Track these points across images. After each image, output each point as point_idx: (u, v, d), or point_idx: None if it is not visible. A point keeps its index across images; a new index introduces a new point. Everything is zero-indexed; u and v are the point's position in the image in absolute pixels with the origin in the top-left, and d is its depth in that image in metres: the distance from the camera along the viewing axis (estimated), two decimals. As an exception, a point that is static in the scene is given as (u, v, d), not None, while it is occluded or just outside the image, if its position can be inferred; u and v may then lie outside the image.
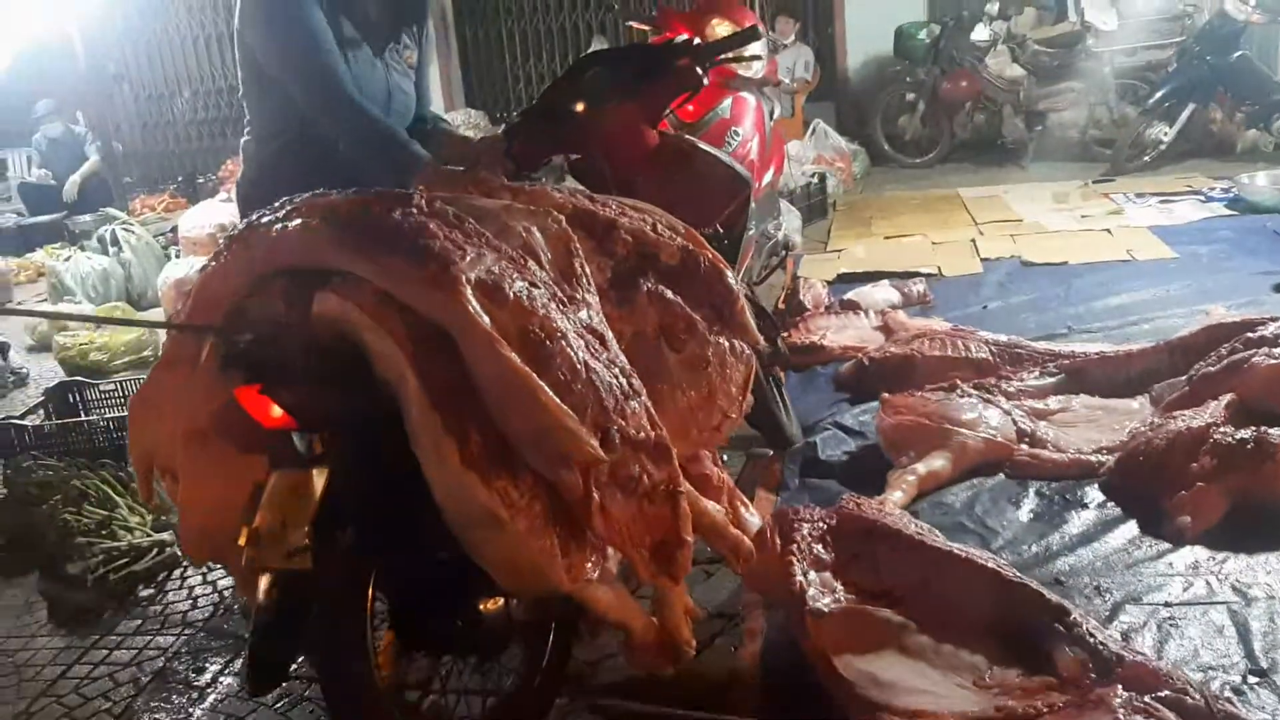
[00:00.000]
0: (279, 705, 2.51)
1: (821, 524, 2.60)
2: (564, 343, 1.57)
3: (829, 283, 5.43)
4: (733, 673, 2.43)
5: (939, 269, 5.62)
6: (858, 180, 8.52)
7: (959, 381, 3.52)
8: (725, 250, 2.46)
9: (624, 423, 1.60)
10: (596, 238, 1.87)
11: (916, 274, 5.42)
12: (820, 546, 2.54)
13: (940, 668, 2.26)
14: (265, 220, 1.74)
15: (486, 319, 1.56)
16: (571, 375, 1.55)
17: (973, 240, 6.20)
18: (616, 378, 1.62)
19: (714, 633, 2.56)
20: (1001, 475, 3.20)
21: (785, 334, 4.52)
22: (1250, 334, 3.40)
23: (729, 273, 2.01)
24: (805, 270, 5.78)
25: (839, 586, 2.46)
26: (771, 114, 4.43)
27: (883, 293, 5.01)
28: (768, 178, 4.09)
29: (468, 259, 1.62)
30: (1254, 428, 2.92)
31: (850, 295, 4.98)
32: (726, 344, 1.97)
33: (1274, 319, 3.50)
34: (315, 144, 2.49)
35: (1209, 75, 7.89)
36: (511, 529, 1.51)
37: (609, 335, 1.70)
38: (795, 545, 2.51)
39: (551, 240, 1.75)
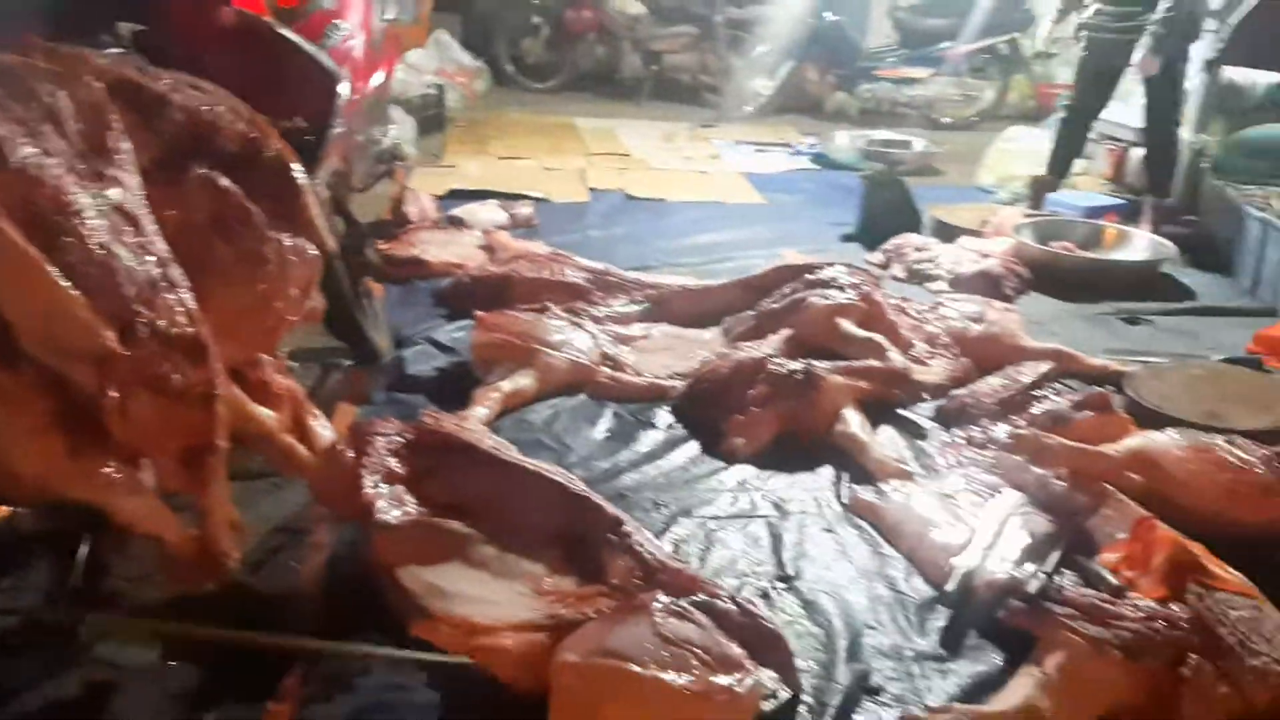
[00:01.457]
0: None
1: (399, 438, 2.55)
2: (78, 220, 1.38)
3: (439, 197, 5.34)
4: (291, 589, 2.34)
5: (548, 194, 5.70)
6: (479, 98, 8.43)
7: (550, 304, 3.58)
8: (306, 146, 2.31)
9: (153, 315, 1.45)
10: (142, 112, 1.67)
11: (525, 196, 5.47)
12: (395, 460, 2.48)
13: (503, 577, 2.29)
14: None
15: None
16: (85, 258, 1.37)
17: (583, 169, 6.34)
18: (147, 266, 1.46)
19: (273, 547, 2.45)
20: (583, 396, 3.30)
21: (387, 245, 4.41)
22: (810, 275, 3.73)
23: (295, 166, 1.88)
24: (416, 183, 5.64)
25: (411, 500, 2.43)
26: (384, 15, 4.24)
27: (489, 212, 5.01)
28: (377, 80, 3.92)
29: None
30: (805, 361, 3.21)
31: (457, 211, 4.94)
32: (289, 241, 1.84)
33: (831, 264, 3.86)
34: None
35: (807, 37, 8.54)
36: (7, 426, 1.32)
37: (145, 218, 1.53)
38: (369, 458, 2.45)
39: (83, 108, 1.54)
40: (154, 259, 1.49)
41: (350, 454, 2.45)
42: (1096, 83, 5.55)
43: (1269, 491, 2.55)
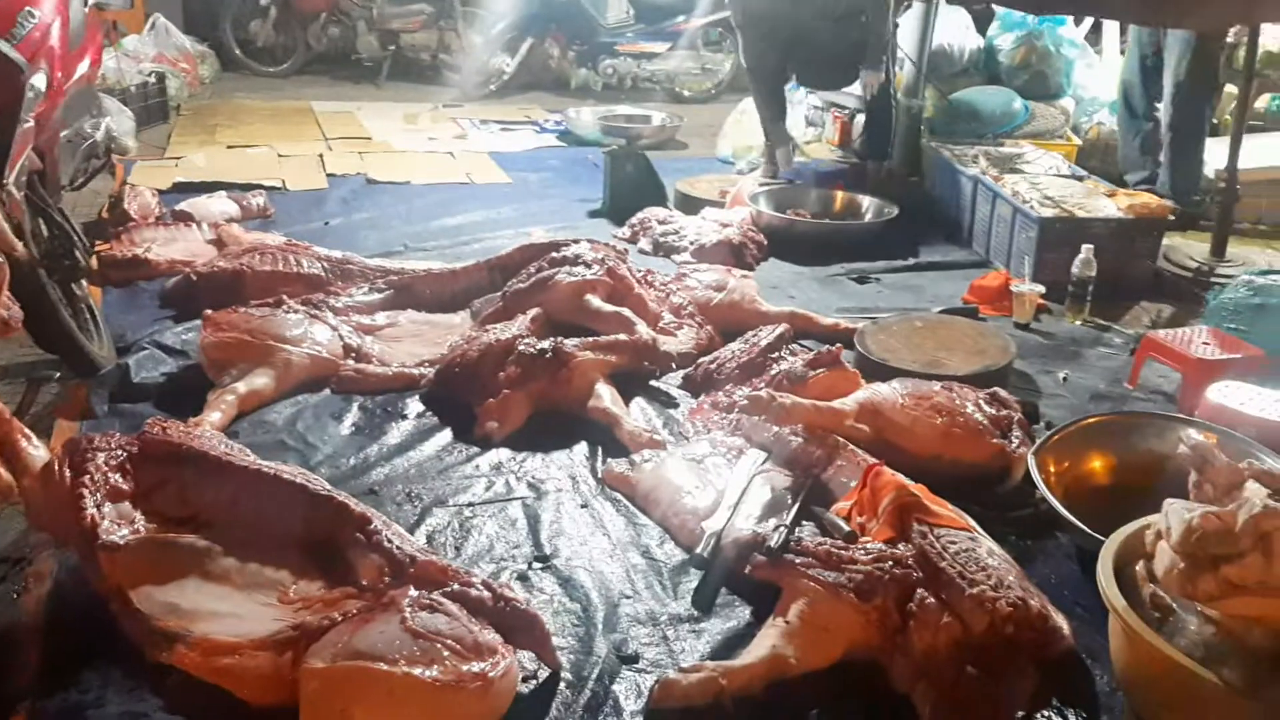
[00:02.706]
0: None
1: (121, 451, 2.39)
2: None
3: (162, 191, 5.01)
4: (13, 623, 2.15)
5: (284, 182, 5.46)
6: (205, 84, 7.98)
7: (286, 297, 3.43)
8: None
9: None
10: None
11: (259, 186, 5.21)
12: (119, 475, 2.34)
13: (245, 589, 2.20)
14: None
15: None
16: None
17: (321, 155, 6.11)
18: None
19: (-13, 581, 2.25)
20: (327, 391, 3.19)
21: (105, 245, 4.11)
22: (555, 253, 3.74)
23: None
24: (137, 177, 5.29)
25: (139, 516, 2.29)
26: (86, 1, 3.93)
27: (219, 204, 4.75)
28: (81, 70, 3.63)
29: None
30: (554, 339, 3.21)
31: (183, 206, 4.66)
32: (-39, 250, 1.68)
33: (576, 241, 3.88)
34: None
35: (543, 12, 8.53)
36: None
37: None
38: (88, 476, 2.28)
39: None
40: None
41: (67, 473, 2.29)
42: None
43: (981, 431, 2.76)
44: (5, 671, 2.01)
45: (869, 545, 2.21)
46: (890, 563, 2.12)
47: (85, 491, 2.24)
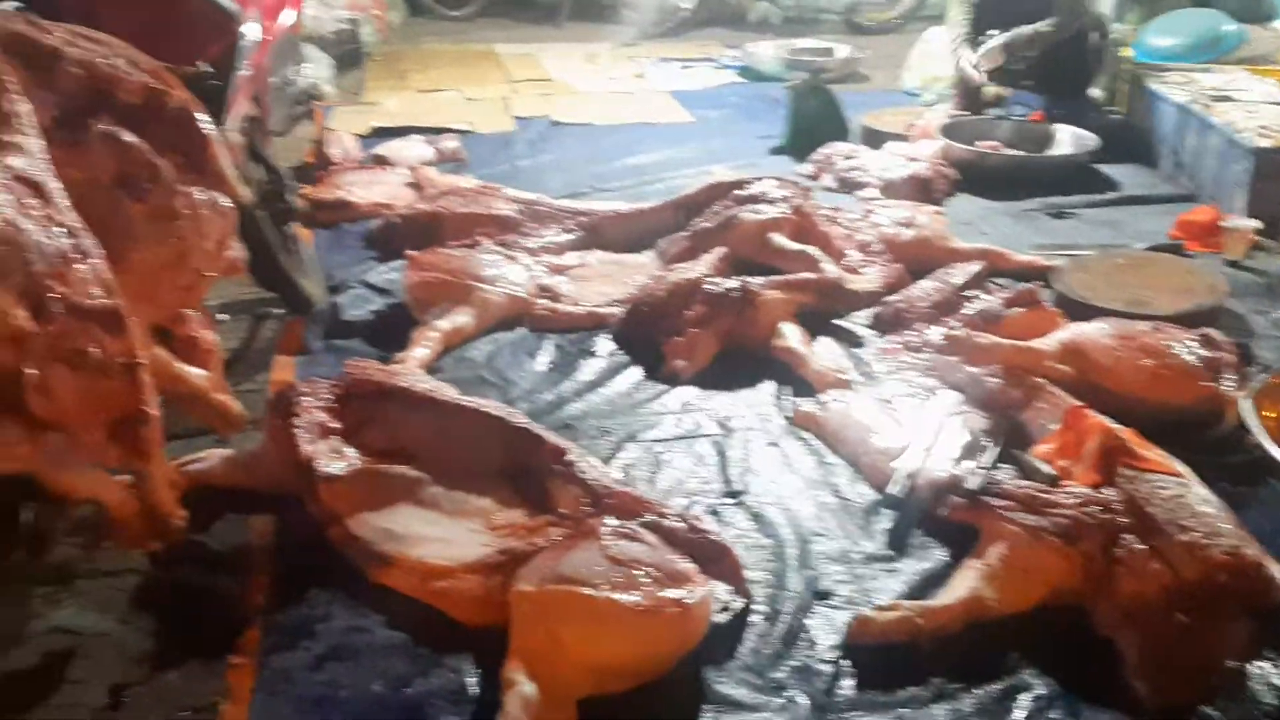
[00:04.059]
0: None
1: (327, 393, 2.52)
2: (-20, 197, 1.33)
3: (361, 136, 5.22)
4: (245, 546, 2.33)
5: (472, 125, 5.60)
6: (395, 30, 8.21)
7: (483, 238, 3.55)
8: (211, 93, 2.24)
9: (67, 289, 1.41)
10: (36, 69, 1.60)
11: (450, 130, 5.37)
12: (327, 415, 2.46)
13: (453, 515, 2.31)
14: None
15: None
16: (-14, 236, 1.33)
17: (506, 98, 6.23)
18: (56, 237, 1.42)
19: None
20: (522, 329, 3.29)
21: (311, 189, 4.32)
22: (740, 192, 3.73)
23: (201, 115, 1.83)
24: (336, 122, 5.51)
25: (350, 451, 2.42)
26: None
27: (414, 148, 4.91)
28: (287, 19, 3.80)
29: None
30: (739, 278, 3.22)
31: (381, 150, 4.83)
32: (200, 194, 1.80)
33: (760, 179, 3.86)
34: None
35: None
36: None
37: (51, 185, 1.48)
38: (299, 417, 2.41)
39: (-26, 71, 1.48)
40: (63, 229, 1.44)
41: (280, 418, 2.40)
42: None
43: (1192, 373, 2.63)
44: (242, 589, 2.18)
45: (1073, 489, 2.15)
46: (1096, 507, 2.07)
47: (299, 431, 2.38)
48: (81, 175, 1.60)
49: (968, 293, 3.21)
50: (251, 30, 2.98)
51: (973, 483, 2.23)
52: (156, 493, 1.76)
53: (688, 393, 2.97)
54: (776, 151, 5.24)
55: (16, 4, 1.91)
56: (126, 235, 1.67)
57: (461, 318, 3.21)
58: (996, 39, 5.17)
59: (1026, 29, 5.12)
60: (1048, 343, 2.77)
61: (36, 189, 1.45)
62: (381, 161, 4.68)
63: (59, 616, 2.08)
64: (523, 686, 1.76)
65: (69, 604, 2.12)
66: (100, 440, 1.51)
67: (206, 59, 2.41)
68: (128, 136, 1.70)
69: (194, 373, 1.91)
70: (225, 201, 1.89)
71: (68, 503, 1.83)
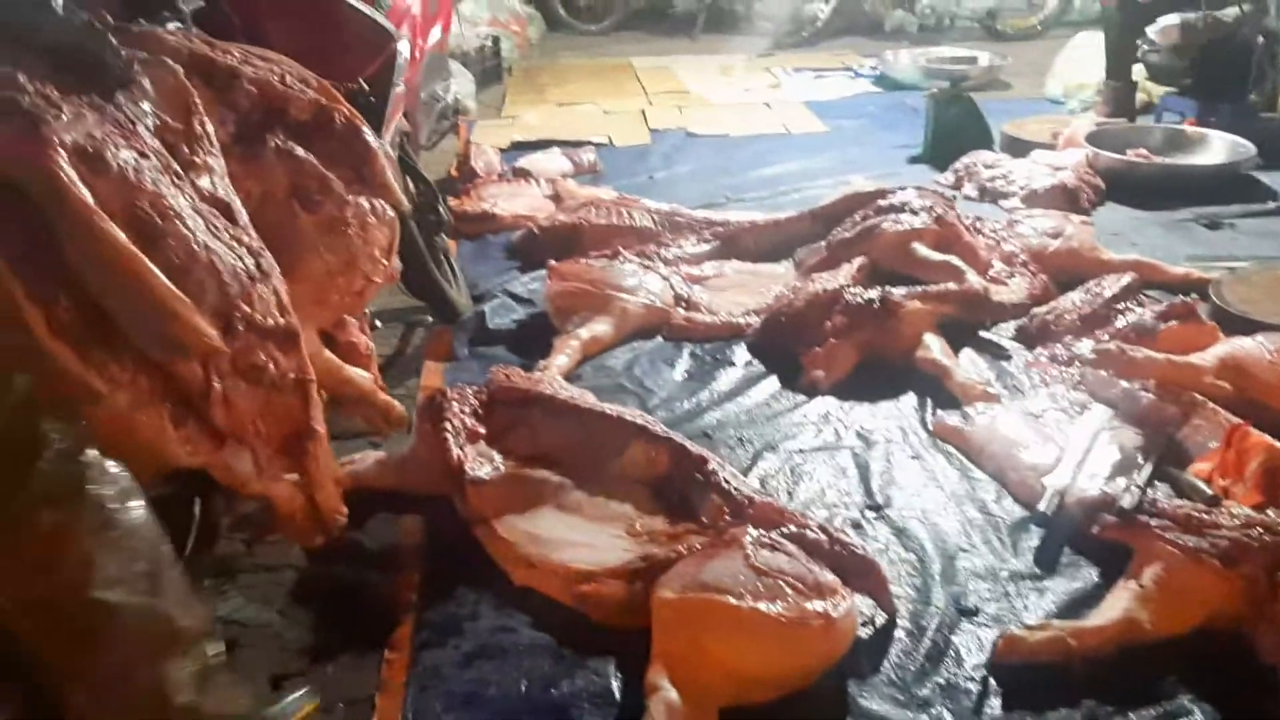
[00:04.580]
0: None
1: (473, 399, 2.59)
2: (179, 223, 1.42)
3: (502, 150, 5.36)
4: (397, 546, 2.42)
5: (609, 138, 5.69)
6: (533, 45, 8.40)
7: (621, 249, 3.60)
8: (370, 108, 2.34)
9: (249, 309, 1.49)
10: (216, 88, 1.71)
11: (587, 143, 5.46)
12: (473, 420, 2.53)
13: (596, 520, 2.35)
14: None
15: (86, 190, 1.38)
16: (188, 259, 1.42)
17: (642, 110, 6.30)
18: (242, 259, 1.51)
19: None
20: (659, 338, 3.33)
21: (456, 201, 4.45)
22: (881, 202, 3.69)
23: (366, 129, 1.91)
24: (479, 136, 5.68)
25: (496, 455, 2.48)
26: (437, -30, 4.22)
27: (554, 161, 5.01)
28: (435, 37, 3.94)
29: (63, 119, 1.43)
30: (880, 288, 3.19)
31: (522, 163, 4.95)
32: (366, 205, 1.88)
33: (902, 188, 3.81)
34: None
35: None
36: (111, 402, 1.38)
37: (235, 204, 1.57)
38: (448, 423, 2.48)
39: (165, 91, 1.58)
40: (246, 249, 1.53)
41: (430, 423, 2.48)
42: None
43: (1364, 391, 2.49)
44: (394, 586, 2.26)
45: (1235, 510, 2.07)
46: (1259, 529, 1.98)
47: (449, 435, 2.45)
48: (258, 188, 1.70)
49: (1118, 305, 3.10)
50: (404, 46, 3.09)
51: (1127, 501, 2.16)
52: (322, 490, 1.84)
53: (827, 403, 2.96)
54: (914, 161, 5.19)
55: (178, 23, 2.03)
56: (300, 244, 1.77)
57: (600, 326, 3.26)
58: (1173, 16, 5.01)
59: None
60: (1205, 358, 2.66)
61: (225, 210, 1.54)
62: (523, 174, 4.79)
63: (224, 608, 2.20)
64: (667, 692, 1.78)
65: (234, 597, 2.23)
66: (271, 452, 1.59)
67: (366, 76, 2.52)
68: (300, 151, 1.79)
69: (359, 374, 2.00)
70: (389, 212, 1.97)
71: (238, 497, 1.94)
